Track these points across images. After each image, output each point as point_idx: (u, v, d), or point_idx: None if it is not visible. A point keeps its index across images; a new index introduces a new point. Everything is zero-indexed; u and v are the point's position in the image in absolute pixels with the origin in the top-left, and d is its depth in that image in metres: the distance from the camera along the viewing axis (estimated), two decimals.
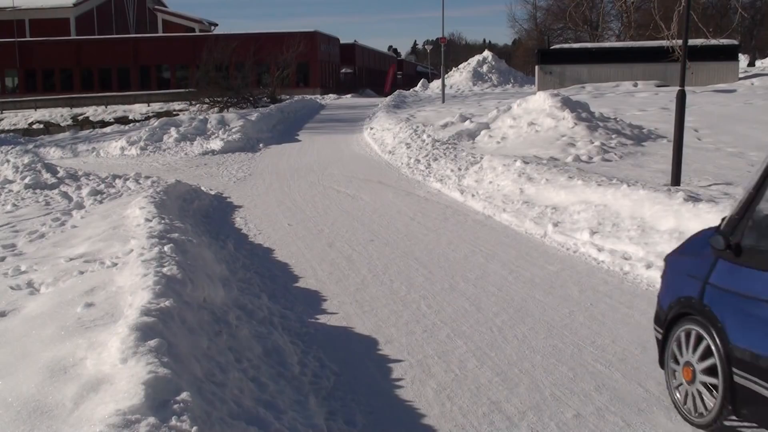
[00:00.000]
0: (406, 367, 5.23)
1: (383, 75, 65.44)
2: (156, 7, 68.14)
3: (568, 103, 17.63)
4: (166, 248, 6.73)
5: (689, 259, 4.47)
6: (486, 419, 4.42)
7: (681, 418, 4.30)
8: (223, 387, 4.28)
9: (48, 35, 52.99)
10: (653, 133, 17.06)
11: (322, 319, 6.38)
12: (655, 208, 8.61)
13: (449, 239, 9.30)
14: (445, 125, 21.24)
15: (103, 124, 36.32)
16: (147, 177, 15.11)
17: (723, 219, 4.25)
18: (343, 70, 61.38)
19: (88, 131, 32.87)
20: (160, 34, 62.61)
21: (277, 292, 7.21)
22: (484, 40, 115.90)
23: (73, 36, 55.30)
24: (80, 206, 11.52)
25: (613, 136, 15.99)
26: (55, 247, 8.06)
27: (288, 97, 37.61)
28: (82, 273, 6.38)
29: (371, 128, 24.23)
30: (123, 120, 36.89)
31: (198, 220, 10.86)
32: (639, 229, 8.39)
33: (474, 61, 53.53)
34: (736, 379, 3.80)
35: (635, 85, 34.31)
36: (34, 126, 37.37)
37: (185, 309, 5.18)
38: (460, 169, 14.33)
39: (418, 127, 21.29)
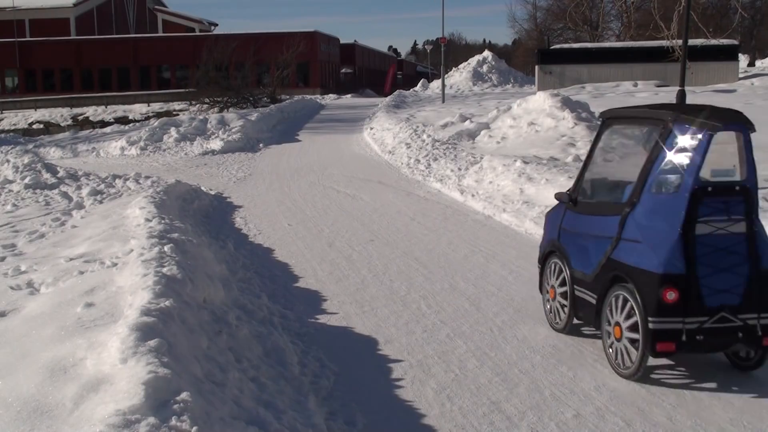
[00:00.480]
0: (406, 367, 5.24)
1: (383, 75, 65.44)
2: (156, 7, 68.14)
3: (568, 103, 17.63)
4: (166, 248, 6.73)
5: (554, 212, 6.15)
6: (486, 419, 4.42)
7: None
8: (223, 387, 4.28)
9: (48, 35, 53.00)
10: None
11: (322, 319, 6.39)
12: None
13: (449, 239, 9.31)
14: (445, 125, 21.25)
15: (103, 124, 36.32)
16: (147, 177, 15.11)
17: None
18: (343, 70, 61.39)
19: (88, 131, 32.87)
20: (160, 34, 62.62)
21: (277, 292, 7.22)
22: (484, 40, 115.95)
23: (73, 36, 55.31)
24: (80, 206, 11.52)
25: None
26: (55, 247, 8.06)
27: (288, 97, 37.62)
28: (82, 273, 6.38)
29: (371, 128, 24.23)
30: (123, 120, 36.90)
31: (198, 220, 10.86)
32: None
33: (474, 61, 53.53)
34: (576, 293, 5.53)
35: (635, 85, 34.32)
36: (34, 126, 37.37)
37: (185, 309, 5.18)
38: (460, 169, 14.33)
39: (418, 127, 21.29)
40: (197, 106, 35.96)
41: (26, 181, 13.98)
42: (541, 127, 16.99)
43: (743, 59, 46.50)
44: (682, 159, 4.80)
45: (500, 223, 10.21)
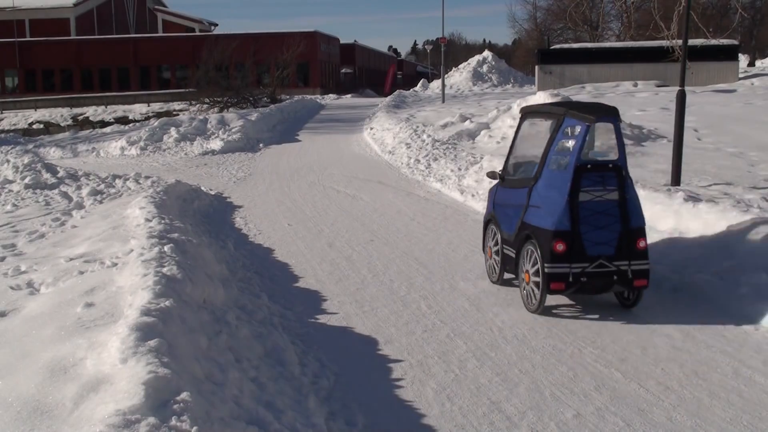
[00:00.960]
0: (406, 367, 5.24)
1: (383, 75, 65.42)
2: (156, 7, 68.13)
3: None
4: (166, 248, 6.73)
5: (492, 189, 7.61)
6: (486, 419, 4.42)
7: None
8: (223, 387, 4.29)
9: (48, 35, 52.99)
10: (653, 133, 17.05)
11: (322, 319, 6.39)
12: (655, 208, 8.60)
13: (449, 239, 9.31)
14: (445, 125, 21.24)
15: (103, 124, 36.28)
16: (147, 177, 15.12)
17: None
18: (343, 70, 61.38)
19: (88, 131, 32.84)
20: (160, 34, 62.61)
21: (277, 292, 7.22)
22: (484, 40, 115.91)
23: (73, 36, 55.29)
24: (80, 206, 11.53)
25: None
26: (55, 247, 8.06)
27: (288, 97, 37.60)
28: (82, 273, 6.38)
29: (371, 128, 24.23)
30: (123, 120, 36.86)
31: (198, 220, 10.86)
32: None
33: (474, 61, 53.48)
34: (504, 251, 6.97)
35: (635, 85, 34.31)
36: (34, 126, 37.34)
37: (185, 309, 5.18)
38: (460, 169, 14.33)
39: (418, 127, 21.28)
40: (197, 106, 35.94)
41: (26, 181, 13.99)
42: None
43: (743, 59, 46.49)
44: (570, 144, 6.35)
45: None
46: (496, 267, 7.23)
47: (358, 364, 5.35)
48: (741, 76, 36.47)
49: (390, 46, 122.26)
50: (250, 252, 9.02)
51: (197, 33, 61.07)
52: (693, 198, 8.54)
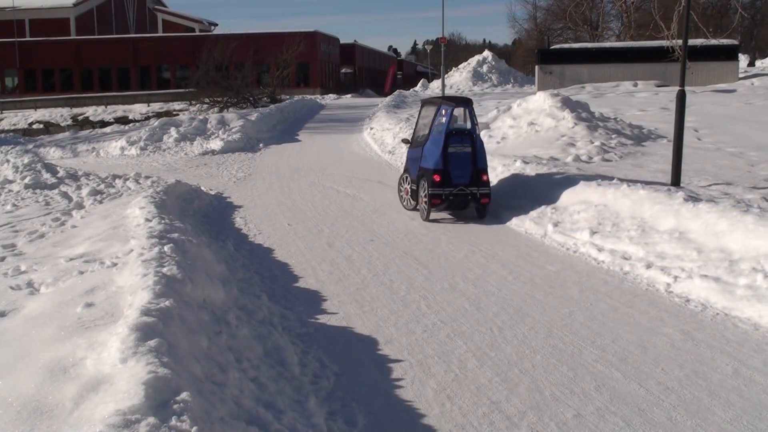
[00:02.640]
0: (406, 367, 5.23)
1: (383, 75, 65.44)
2: (156, 7, 68.15)
3: (568, 103, 17.63)
4: (166, 248, 6.73)
5: (407, 152, 11.70)
6: (486, 419, 4.42)
7: (406, 212, 11.23)
8: (223, 387, 4.28)
9: (48, 35, 53.01)
10: (653, 133, 17.06)
11: (322, 319, 6.38)
12: (655, 208, 8.61)
13: (449, 239, 9.31)
14: None
15: (103, 124, 36.28)
16: (147, 177, 15.11)
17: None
18: (343, 70, 61.38)
19: (88, 131, 32.80)
20: (160, 34, 62.62)
21: (277, 291, 7.22)
22: (484, 40, 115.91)
23: (73, 36, 55.32)
24: (80, 206, 11.52)
25: (613, 136, 15.99)
26: (55, 247, 8.06)
27: (288, 97, 37.60)
28: (82, 273, 6.38)
29: (371, 128, 24.23)
30: (123, 120, 36.87)
31: (198, 220, 10.86)
32: (639, 229, 8.38)
33: (474, 61, 53.47)
34: (412, 188, 11.00)
35: (635, 85, 34.31)
36: (34, 126, 37.34)
37: (185, 309, 5.18)
38: None
39: None
40: (197, 106, 35.94)
41: (26, 181, 13.98)
42: (541, 127, 16.99)
43: (743, 59, 46.49)
44: (443, 120, 10.48)
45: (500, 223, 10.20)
46: (410, 201, 11.13)
47: (358, 364, 5.35)
48: (741, 76, 36.47)
49: (390, 46, 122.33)
50: (250, 252, 9.02)
51: (197, 33, 61.08)
52: (693, 198, 8.54)
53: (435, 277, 7.58)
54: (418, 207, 10.69)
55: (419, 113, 11.56)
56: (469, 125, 10.56)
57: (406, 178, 11.27)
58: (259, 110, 29.92)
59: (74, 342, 4.46)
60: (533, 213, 10.07)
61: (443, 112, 10.52)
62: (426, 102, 11.60)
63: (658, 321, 6.08)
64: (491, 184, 10.93)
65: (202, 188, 13.80)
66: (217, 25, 67.88)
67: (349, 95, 49.71)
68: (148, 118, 34.63)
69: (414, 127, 11.90)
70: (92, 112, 39.31)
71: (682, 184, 10.46)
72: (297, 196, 13.20)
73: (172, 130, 23.55)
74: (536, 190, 10.95)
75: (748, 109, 21.92)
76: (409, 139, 11.64)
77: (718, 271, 6.81)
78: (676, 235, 7.88)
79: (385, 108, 29.21)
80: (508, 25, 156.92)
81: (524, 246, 8.81)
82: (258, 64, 39.61)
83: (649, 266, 7.38)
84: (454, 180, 10.13)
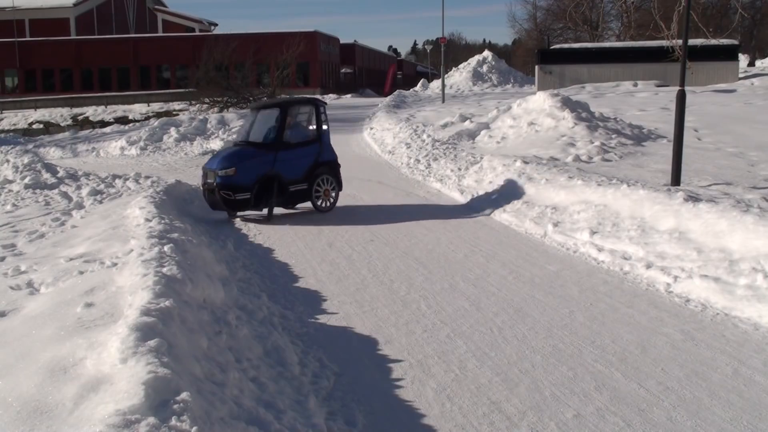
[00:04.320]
0: (406, 367, 5.23)
1: (383, 75, 65.43)
2: (156, 7, 68.12)
3: (568, 103, 17.63)
4: (166, 248, 6.73)
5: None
6: (486, 419, 4.42)
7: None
8: (223, 387, 4.28)
9: (48, 35, 52.99)
10: (653, 133, 17.06)
11: (322, 319, 6.38)
12: (655, 208, 8.60)
13: (449, 239, 9.30)
14: (445, 125, 21.24)
15: (103, 124, 36.27)
16: (147, 177, 15.11)
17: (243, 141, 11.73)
18: (343, 70, 61.36)
19: (88, 131, 32.82)
20: (160, 34, 62.61)
21: (277, 292, 7.22)
22: (484, 40, 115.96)
23: (73, 36, 55.30)
24: (80, 206, 11.52)
25: (613, 136, 15.99)
26: (55, 247, 8.06)
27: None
28: (82, 273, 6.38)
29: (371, 128, 24.23)
30: (123, 120, 36.86)
31: (198, 220, 10.86)
32: (639, 229, 8.38)
33: (474, 61, 53.46)
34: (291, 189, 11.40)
35: (635, 85, 34.31)
36: (34, 126, 37.33)
37: (185, 309, 5.18)
38: (460, 169, 14.33)
39: (418, 127, 21.29)
40: (197, 106, 35.93)
41: (26, 181, 13.98)
42: (541, 127, 16.99)
43: (743, 59, 46.48)
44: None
45: (500, 223, 10.21)
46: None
47: (358, 364, 5.34)
48: (741, 76, 36.48)
49: (390, 46, 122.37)
50: (250, 252, 9.02)
51: (197, 33, 61.07)
52: (693, 198, 8.53)
53: (435, 277, 7.58)
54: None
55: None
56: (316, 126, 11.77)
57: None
58: None
59: (74, 342, 4.46)
60: (533, 213, 10.07)
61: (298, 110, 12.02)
62: (260, 106, 12.43)
63: (658, 321, 6.07)
64: (493, 185, 10.46)
65: None
66: (217, 25, 67.93)
67: (349, 95, 49.72)
68: (148, 118, 34.62)
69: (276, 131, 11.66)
70: (92, 112, 39.29)
71: (682, 184, 10.46)
72: None
73: (172, 130, 23.56)
74: (536, 190, 10.95)
75: (748, 109, 21.91)
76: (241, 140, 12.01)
77: (718, 271, 6.81)
78: (676, 235, 7.88)
79: (385, 108, 29.21)
80: (508, 25, 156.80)
81: (524, 246, 8.80)
82: (258, 64, 39.60)
83: (649, 266, 7.38)
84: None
